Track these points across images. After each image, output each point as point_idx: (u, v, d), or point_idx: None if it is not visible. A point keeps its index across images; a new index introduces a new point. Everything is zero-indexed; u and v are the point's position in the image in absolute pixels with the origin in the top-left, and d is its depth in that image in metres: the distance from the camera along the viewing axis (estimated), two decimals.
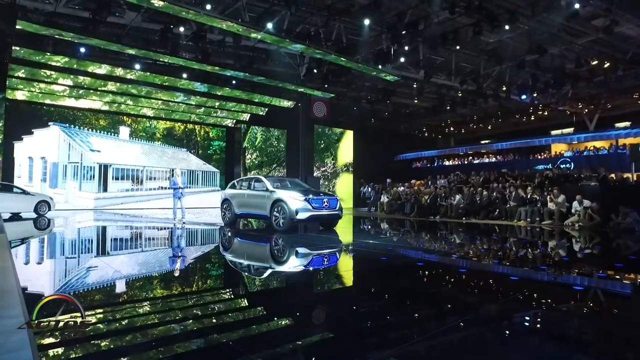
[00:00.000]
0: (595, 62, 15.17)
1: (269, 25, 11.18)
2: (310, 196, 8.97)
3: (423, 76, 15.18)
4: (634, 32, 13.13)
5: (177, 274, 5.35)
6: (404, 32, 11.95)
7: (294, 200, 8.76)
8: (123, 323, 3.15)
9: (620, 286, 4.59)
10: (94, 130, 18.07)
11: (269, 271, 5.49)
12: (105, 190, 17.94)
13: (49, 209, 13.09)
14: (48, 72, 14.35)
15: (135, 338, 2.79)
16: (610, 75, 15.62)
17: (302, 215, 8.66)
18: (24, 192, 12.95)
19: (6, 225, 10.64)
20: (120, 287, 4.42)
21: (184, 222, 11.45)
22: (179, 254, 6.81)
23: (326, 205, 9.10)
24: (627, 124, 20.35)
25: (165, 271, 5.62)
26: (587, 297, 4.10)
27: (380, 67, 13.94)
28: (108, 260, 6.07)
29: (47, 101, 16.18)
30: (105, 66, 14.33)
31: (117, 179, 18.38)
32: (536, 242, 8.45)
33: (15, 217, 12.54)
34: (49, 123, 16.88)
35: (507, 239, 8.79)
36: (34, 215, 12.66)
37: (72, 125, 17.49)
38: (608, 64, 15.18)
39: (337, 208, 9.41)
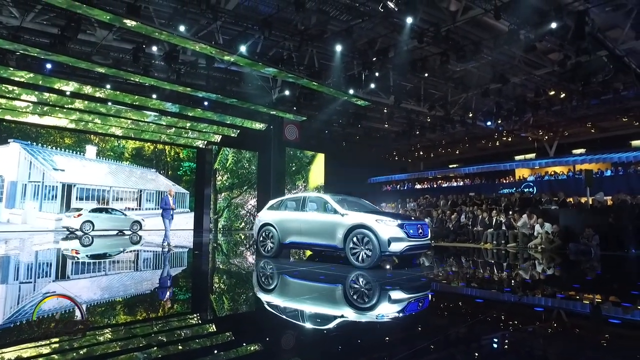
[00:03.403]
0: (552, 92, 16.16)
1: (243, 49, 11.29)
2: (401, 221, 6.98)
3: (393, 101, 15.65)
4: None
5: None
6: (374, 59, 12.38)
7: (385, 227, 6.68)
8: None
9: (576, 306, 4.78)
10: (59, 149, 17.44)
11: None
12: (68, 210, 17.21)
13: (140, 228, 16.69)
14: (10, 87, 13.76)
15: None
16: (567, 105, 16.64)
17: (395, 247, 6.63)
18: (123, 214, 16.63)
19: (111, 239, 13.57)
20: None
21: (168, 246, 10.32)
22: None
23: (421, 233, 7.12)
24: (582, 150, 21.64)
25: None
26: (545, 316, 4.23)
27: (351, 91, 14.27)
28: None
29: (8, 117, 15.50)
30: (73, 83, 13.92)
31: (81, 199, 17.69)
32: (501, 264, 8.69)
33: (120, 233, 16.21)
34: (9, 140, 16.18)
35: (475, 261, 8.99)
36: (129, 232, 16.33)
37: (35, 143, 16.83)
38: (564, 94, 16.20)
39: (429, 237, 7.53)
